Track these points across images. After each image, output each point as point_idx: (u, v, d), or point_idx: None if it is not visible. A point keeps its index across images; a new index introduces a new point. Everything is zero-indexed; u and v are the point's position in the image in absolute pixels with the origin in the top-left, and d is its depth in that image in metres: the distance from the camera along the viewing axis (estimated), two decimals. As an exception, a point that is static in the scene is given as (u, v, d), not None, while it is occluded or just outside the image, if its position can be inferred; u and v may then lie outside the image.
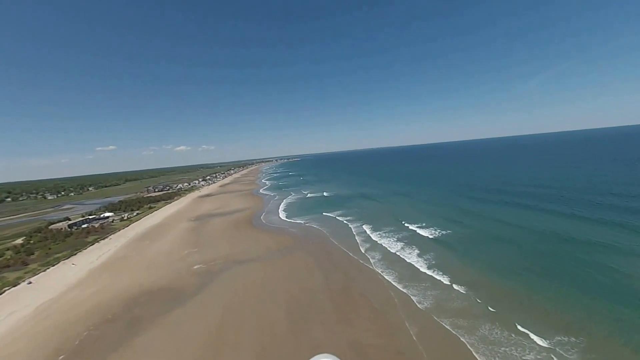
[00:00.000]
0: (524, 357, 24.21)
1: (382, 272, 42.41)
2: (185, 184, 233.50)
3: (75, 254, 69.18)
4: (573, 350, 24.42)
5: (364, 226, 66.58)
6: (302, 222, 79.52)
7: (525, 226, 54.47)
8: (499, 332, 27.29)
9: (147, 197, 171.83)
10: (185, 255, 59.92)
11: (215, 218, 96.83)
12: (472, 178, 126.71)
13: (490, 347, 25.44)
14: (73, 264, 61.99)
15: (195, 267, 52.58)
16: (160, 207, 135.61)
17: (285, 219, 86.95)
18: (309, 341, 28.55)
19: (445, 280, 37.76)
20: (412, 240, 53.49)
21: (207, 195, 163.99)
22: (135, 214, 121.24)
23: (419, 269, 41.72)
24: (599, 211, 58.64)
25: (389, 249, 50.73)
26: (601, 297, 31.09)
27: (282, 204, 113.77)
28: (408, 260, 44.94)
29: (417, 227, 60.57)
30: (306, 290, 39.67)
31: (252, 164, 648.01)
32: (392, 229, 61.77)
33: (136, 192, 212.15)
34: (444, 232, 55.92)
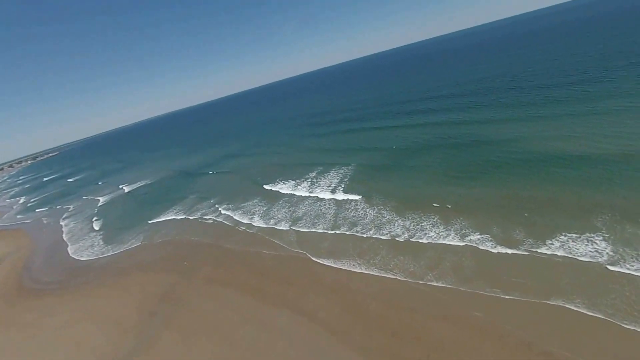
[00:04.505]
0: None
1: (351, 267, 26.04)
2: None
3: None
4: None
5: (236, 215, 43.22)
6: (139, 242, 44.93)
7: (403, 146, 50.50)
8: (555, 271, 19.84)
9: None
10: None
11: None
12: (305, 110, 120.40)
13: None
14: None
15: None
16: None
17: (100, 247, 47.14)
18: None
19: (426, 239, 26.63)
20: (328, 209, 37.40)
21: None
22: None
23: (391, 240, 28.12)
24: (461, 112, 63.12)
25: (319, 231, 33.33)
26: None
27: (67, 226, 63.94)
28: (361, 235, 30.16)
29: (308, 190, 44.75)
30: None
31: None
32: (283, 204, 42.65)
33: None
34: (343, 182, 43.54)
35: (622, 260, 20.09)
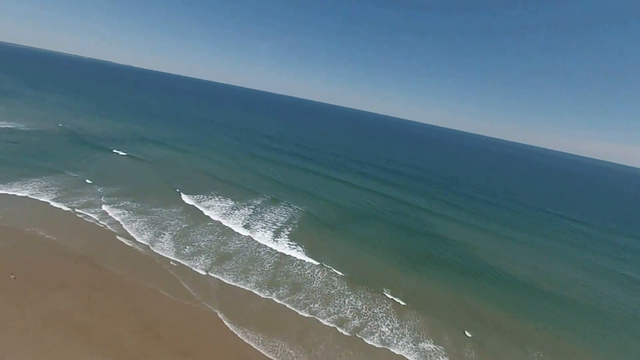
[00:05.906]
0: None
1: (286, 355, 19.02)
2: None
3: None
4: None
5: (134, 224, 31.51)
6: None
7: (355, 208, 47.50)
8: None
9: None
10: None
11: None
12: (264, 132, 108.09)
13: None
14: None
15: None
16: None
17: None
18: None
19: (377, 339, 22.13)
20: (265, 257, 29.61)
21: None
22: None
23: (336, 328, 22.29)
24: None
25: (248, 288, 24.98)
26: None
27: None
28: (302, 312, 23.34)
29: (244, 222, 36.35)
30: None
31: None
32: (207, 231, 33.09)
33: None
34: (289, 227, 36.64)
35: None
